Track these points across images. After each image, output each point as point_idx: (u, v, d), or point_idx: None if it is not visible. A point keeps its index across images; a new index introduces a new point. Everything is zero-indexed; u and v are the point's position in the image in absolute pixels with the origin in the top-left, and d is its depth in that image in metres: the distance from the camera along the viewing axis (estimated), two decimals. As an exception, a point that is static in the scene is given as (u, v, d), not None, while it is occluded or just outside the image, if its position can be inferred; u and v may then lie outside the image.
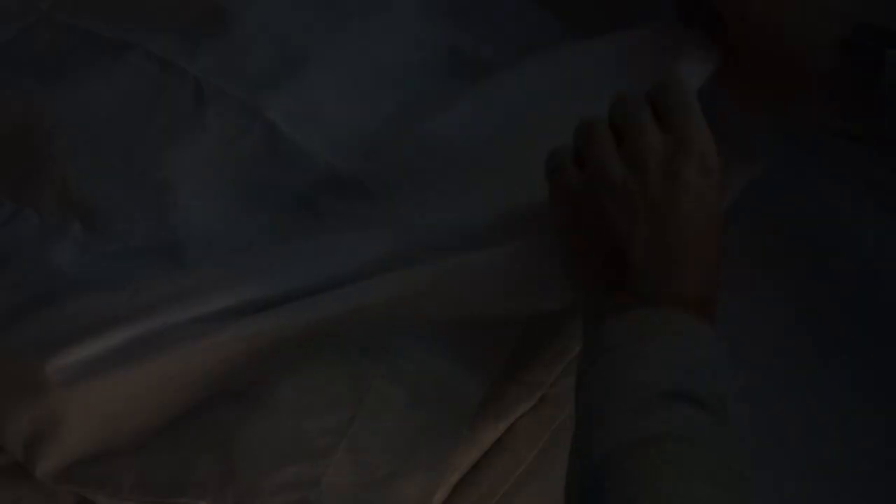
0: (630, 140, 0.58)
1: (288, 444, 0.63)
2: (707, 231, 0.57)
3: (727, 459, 0.50)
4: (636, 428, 0.50)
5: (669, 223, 0.56)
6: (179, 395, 0.64)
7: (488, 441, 0.67)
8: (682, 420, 0.50)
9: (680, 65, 0.66)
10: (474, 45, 0.78)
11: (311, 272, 0.66)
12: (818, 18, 0.64)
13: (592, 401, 0.54)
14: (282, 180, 0.71)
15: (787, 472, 0.67)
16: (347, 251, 0.67)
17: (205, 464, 0.63)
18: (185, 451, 0.63)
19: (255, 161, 0.71)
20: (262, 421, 0.63)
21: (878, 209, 0.76)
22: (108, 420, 0.64)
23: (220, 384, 0.64)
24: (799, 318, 0.73)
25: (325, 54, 0.76)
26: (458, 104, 0.73)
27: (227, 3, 0.77)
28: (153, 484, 0.63)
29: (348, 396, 0.64)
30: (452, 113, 0.73)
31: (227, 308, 0.65)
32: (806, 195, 0.76)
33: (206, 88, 0.73)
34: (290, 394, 0.64)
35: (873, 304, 0.74)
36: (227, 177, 0.71)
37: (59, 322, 0.65)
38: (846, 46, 0.63)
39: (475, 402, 0.65)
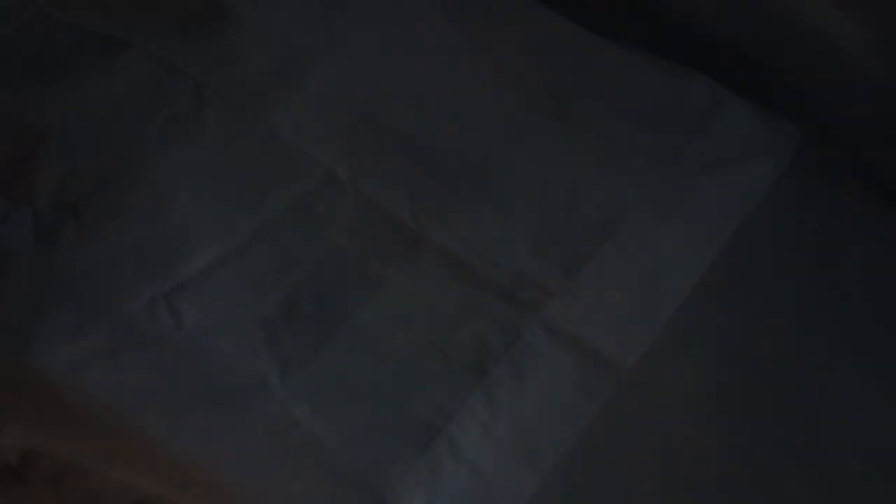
0: None
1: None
2: None
3: None
4: None
5: None
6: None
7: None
8: None
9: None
10: (485, 48, 0.77)
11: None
12: None
13: None
14: (281, 183, 0.70)
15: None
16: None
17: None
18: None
19: (253, 163, 0.71)
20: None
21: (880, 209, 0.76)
22: (105, 426, 0.63)
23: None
24: (803, 318, 0.73)
25: (327, 56, 0.75)
26: (464, 111, 0.74)
27: (226, 2, 0.76)
28: None
29: None
30: (459, 121, 0.73)
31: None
32: (808, 196, 0.76)
33: (205, 89, 0.73)
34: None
35: (880, 305, 0.73)
36: (225, 179, 0.70)
37: (54, 323, 0.65)
38: None
39: None
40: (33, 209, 0.70)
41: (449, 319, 0.66)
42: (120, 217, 0.69)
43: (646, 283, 0.69)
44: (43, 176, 0.71)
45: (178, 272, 0.67)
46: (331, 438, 0.62)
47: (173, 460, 0.62)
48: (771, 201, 0.73)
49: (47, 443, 0.64)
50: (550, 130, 0.73)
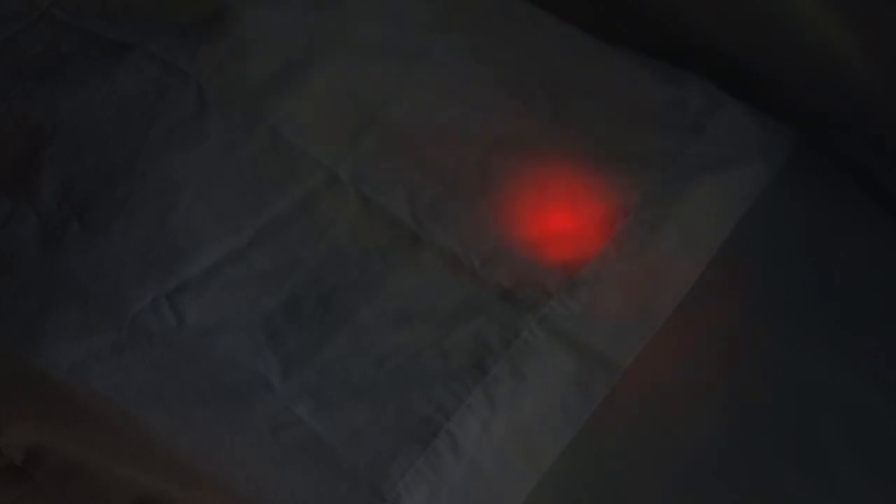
0: None
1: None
2: None
3: None
4: None
5: None
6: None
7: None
8: None
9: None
10: (484, 49, 0.77)
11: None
12: None
13: None
14: (282, 184, 0.71)
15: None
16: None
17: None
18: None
19: (255, 164, 0.71)
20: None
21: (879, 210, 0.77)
22: (110, 424, 0.64)
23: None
24: (799, 318, 0.73)
25: (328, 57, 0.76)
26: (463, 112, 0.74)
27: (228, 3, 0.77)
28: None
29: None
30: (459, 121, 0.73)
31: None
32: (804, 197, 0.76)
33: (208, 91, 0.73)
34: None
35: (875, 305, 0.74)
36: (227, 180, 0.71)
37: (58, 322, 0.65)
38: None
39: None
40: (38, 210, 0.70)
41: (449, 319, 0.66)
42: (124, 217, 0.69)
43: (643, 283, 0.69)
44: (47, 177, 0.71)
45: (182, 272, 0.67)
46: (332, 436, 0.62)
47: (176, 457, 0.62)
48: (767, 202, 0.74)
49: (52, 440, 0.64)
50: (548, 132, 0.73)
